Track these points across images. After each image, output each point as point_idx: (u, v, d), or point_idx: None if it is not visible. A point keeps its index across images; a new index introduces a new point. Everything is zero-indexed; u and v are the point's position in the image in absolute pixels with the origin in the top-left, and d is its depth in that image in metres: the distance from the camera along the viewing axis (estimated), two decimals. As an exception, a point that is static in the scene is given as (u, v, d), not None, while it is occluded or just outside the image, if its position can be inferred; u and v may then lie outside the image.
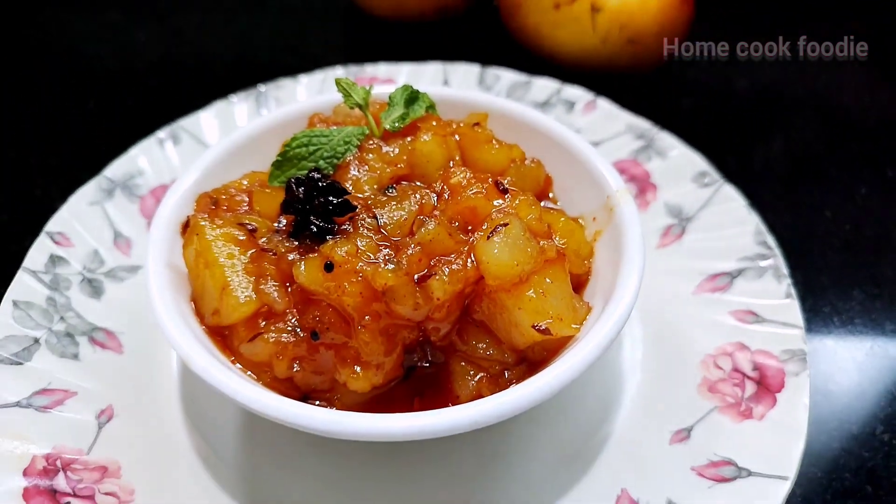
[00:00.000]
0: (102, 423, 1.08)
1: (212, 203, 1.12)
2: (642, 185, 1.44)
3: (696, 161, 1.42)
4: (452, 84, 1.64)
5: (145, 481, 1.03)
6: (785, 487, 0.96)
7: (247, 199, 1.11)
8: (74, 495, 0.98)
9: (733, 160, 1.63)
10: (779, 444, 1.01)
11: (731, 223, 1.32)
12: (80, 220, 1.33)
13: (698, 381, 1.14)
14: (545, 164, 1.24)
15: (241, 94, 1.59)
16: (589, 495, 1.02)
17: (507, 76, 1.63)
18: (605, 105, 1.55)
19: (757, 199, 1.36)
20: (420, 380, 1.04)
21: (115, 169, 1.42)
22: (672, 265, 1.30)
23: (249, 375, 0.99)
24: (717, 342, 1.17)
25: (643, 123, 1.50)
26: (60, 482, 0.99)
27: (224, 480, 1.05)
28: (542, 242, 1.00)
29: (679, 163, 1.43)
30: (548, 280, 0.98)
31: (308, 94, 1.62)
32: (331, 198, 1.00)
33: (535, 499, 1.03)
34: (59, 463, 1.01)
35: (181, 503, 1.02)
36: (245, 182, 1.15)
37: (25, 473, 0.99)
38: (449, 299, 0.95)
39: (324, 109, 1.28)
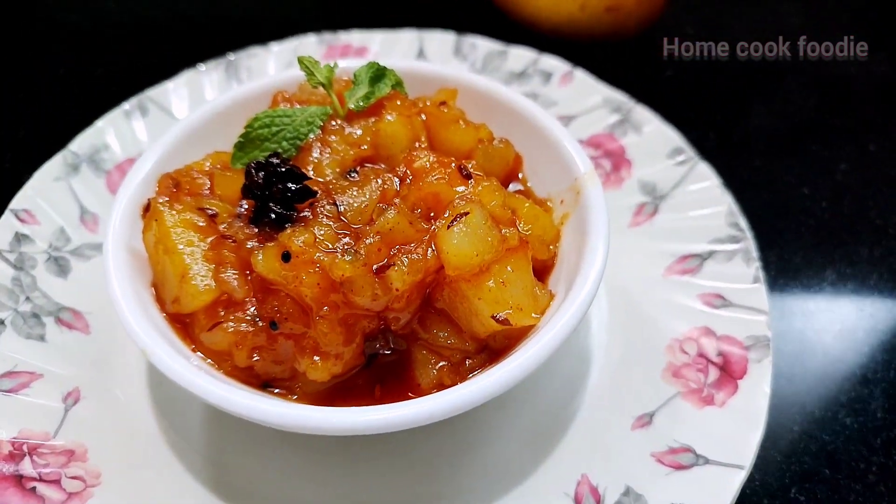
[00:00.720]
0: (69, 406, 1.09)
1: (173, 185, 1.10)
2: (617, 161, 1.42)
3: (671, 137, 1.40)
4: (427, 52, 1.60)
5: (112, 465, 1.04)
6: (740, 476, 0.97)
7: (208, 182, 1.09)
8: (41, 480, 0.99)
9: (713, 134, 1.61)
10: (737, 432, 1.02)
11: (704, 203, 1.30)
12: (46, 197, 1.31)
13: (663, 366, 1.14)
14: (515, 143, 1.22)
15: (210, 63, 1.55)
16: (550, 480, 1.04)
17: (483, 45, 1.59)
18: (582, 76, 1.52)
19: (735, 175, 1.35)
20: (382, 367, 1.04)
21: (81, 142, 1.39)
22: (643, 245, 1.29)
23: (210, 364, 0.99)
24: (684, 326, 1.17)
25: (620, 97, 1.47)
26: (26, 467, 1.00)
27: (190, 464, 1.06)
28: (504, 231, 0.99)
29: (655, 138, 1.41)
30: (509, 269, 0.97)
31: (279, 63, 1.58)
32: (290, 184, 0.98)
33: (496, 485, 1.04)
34: (25, 448, 1.02)
35: (148, 487, 1.03)
36: (207, 164, 1.13)
37: (-9, 459, 1.00)
38: (408, 289, 0.95)
39: (290, 85, 1.25)
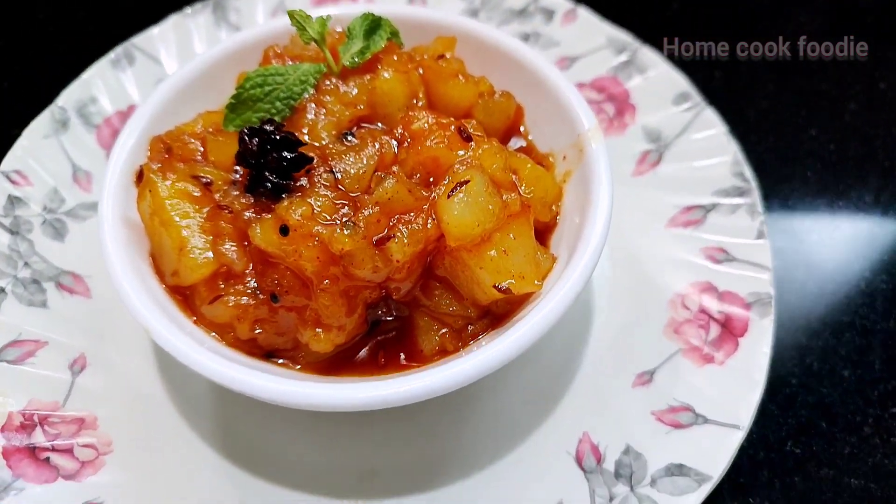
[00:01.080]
0: (76, 372, 1.10)
1: (165, 150, 1.07)
2: (621, 106, 1.38)
3: (678, 81, 1.35)
4: (424, -11, 1.52)
5: (122, 432, 1.06)
6: (738, 437, 0.99)
7: (201, 147, 1.06)
8: (53, 450, 1.02)
9: (719, 73, 1.55)
10: (737, 391, 1.03)
11: (710, 152, 1.27)
12: (36, 157, 1.28)
13: (665, 322, 1.15)
14: (517, 93, 1.18)
15: (197, 6, 1.48)
16: (552, 439, 1.06)
17: (482, -19, 1.52)
18: (585, 15, 1.45)
19: (741, 117, 1.30)
20: (385, 331, 1.04)
21: (68, 97, 1.35)
22: (646, 196, 1.27)
23: (214, 336, 0.99)
24: (686, 281, 1.17)
25: (625, 37, 1.42)
26: (39, 437, 1.02)
27: (199, 428, 1.08)
28: (505, 196, 0.97)
29: (660, 82, 1.36)
30: (511, 236, 0.96)
31: (268, 4, 1.51)
32: (285, 152, 0.95)
33: (500, 444, 1.06)
34: (35, 418, 1.04)
35: (159, 453, 1.05)
36: (199, 126, 1.09)
37: (3, 430, 1.02)
38: (409, 260, 0.94)
39: (282, 36, 1.19)
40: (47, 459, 1.01)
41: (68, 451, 1.02)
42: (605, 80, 1.40)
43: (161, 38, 1.44)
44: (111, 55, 1.40)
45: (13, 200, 1.23)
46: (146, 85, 1.40)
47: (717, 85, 1.36)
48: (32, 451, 1.01)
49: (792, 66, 1.60)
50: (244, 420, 1.09)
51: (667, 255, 1.21)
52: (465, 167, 0.96)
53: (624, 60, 1.40)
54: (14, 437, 1.01)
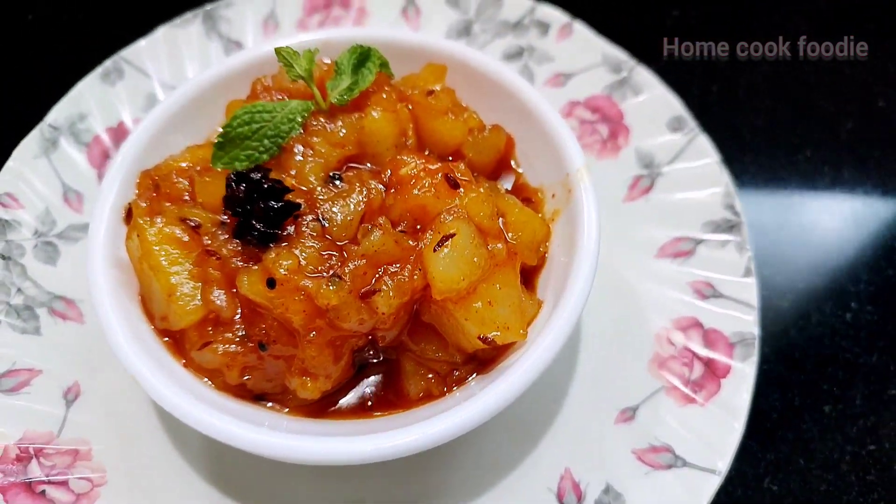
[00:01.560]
0: (70, 401, 1.12)
1: (153, 186, 1.07)
2: (615, 127, 1.36)
3: (672, 104, 1.34)
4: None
5: (116, 461, 1.09)
6: (715, 482, 1.01)
7: (188, 185, 1.06)
8: (49, 483, 1.05)
9: (716, 87, 1.54)
10: (716, 435, 1.06)
11: (702, 181, 1.27)
12: (26, 178, 1.28)
13: (650, 357, 1.16)
14: (508, 123, 1.18)
15: (187, 16, 1.45)
16: (534, 475, 1.08)
17: (477, -9, 1.49)
18: (581, 30, 1.43)
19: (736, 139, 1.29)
20: (372, 373, 1.06)
21: (58, 114, 1.34)
22: (636, 224, 1.28)
23: (203, 381, 1.01)
24: (672, 315, 1.18)
25: (620, 55, 1.39)
26: (34, 470, 1.05)
27: (192, 457, 1.11)
28: (491, 246, 0.97)
29: (655, 105, 1.35)
30: (496, 286, 0.97)
31: (257, 15, 1.48)
32: (272, 202, 0.96)
33: (482, 480, 1.09)
34: (31, 450, 1.07)
35: (152, 482, 1.08)
36: (186, 163, 1.09)
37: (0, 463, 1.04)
38: (394, 312, 0.95)
39: (270, 62, 1.17)
40: (43, 492, 1.04)
41: (63, 483, 1.05)
42: (600, 100, 1.39)
43: (150, 50, 1.42)
44: (100, 69, 1.38)
45: (4, 224, 1.23)
46: (136, 99, 1.38)
47: (712, 98, 1.34)
48: (28, 486, 1.04)
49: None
50: (235, 451, 1.11)
51: (654, 287, 1.21)
52: (452, 217, 0.96)
53: (619, 79, 1.38)
54: (10, 471, 1.04)
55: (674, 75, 1.38)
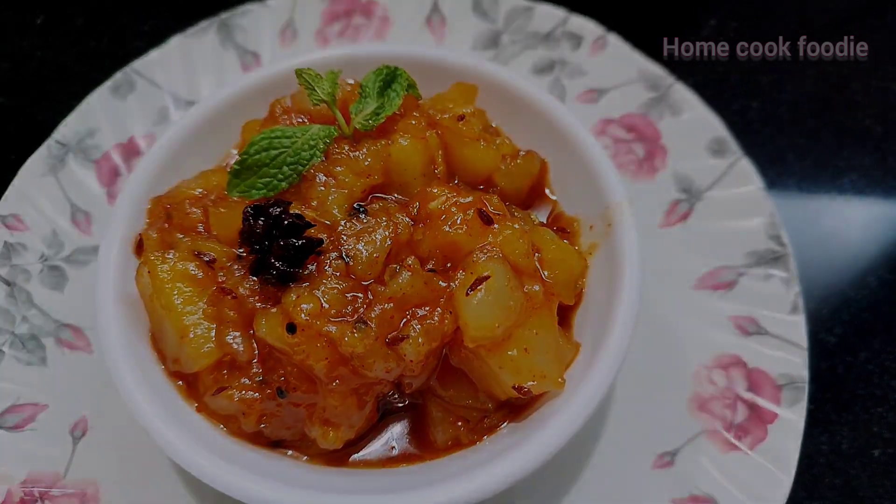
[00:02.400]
0: (77, 437, 1.07)
1: (165, 215, 1.01)
2: (651, 148, 1.29)
3: (713, 124, 1.26)
4: (443, 8, 1.42)
5: (124, 501, 1.03)
6: (762, 542, 0.95)
7: (201, 215, 1.00)
8: (54, 528, 0.99)
9: (756, 104, 1.46)
10: (762, 488, 0.99)
11: (744, 208, 1.20)
12: (32, 198, 1.22)
13: (689, 395, 1.09)
14: (541, 148, 1.11)
15: (202, 24, 1.38)
16: (568, 524, 1.03)
17: (506, 1, 1.41)
18: (616, 43, 1.35)
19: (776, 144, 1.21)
20: (397, 419, 1.00)
21: (66, 130, 1.28)
22: (674, 252, 1.20)
23: (217, 428, 0.95)
24: (712, 352, 1.12)
25: (657, 70, 1.32)
26: (39, 514, 1.00)
27: (202, 495, 1.05)
28: (527, 288, 0.91)
29: (694, 126, 1.27)
30: (533, 332, 0.90)
31: (275, 25, 1.41)
32: (292, 239, 0.89)
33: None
34: (36, 492, 1.01)
35: (161, 524, 1.03)
36: (199, 190, 1.02)
37: (3, 507, 0.99)
38: (423, 359, 0.88)
39: (288, 80, 1.10)
40: (49, 540, 0.99)
41: (70, 530, 1.00)
42: (636, 118, 1.31)
43: (163, 62, 1.35)
44: (110, 82, 1.32)
45: (9, 248, 1.17)
46: (148, 113, 1.32)
47: (752, 115, 1.26)
48: (34, 533, 0.99)
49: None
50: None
51: (693, 320, 1.14)
52: (485, 257, 0.89)
53: (655, 96, 1.31)
54: (15, 517, 0.99)
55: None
